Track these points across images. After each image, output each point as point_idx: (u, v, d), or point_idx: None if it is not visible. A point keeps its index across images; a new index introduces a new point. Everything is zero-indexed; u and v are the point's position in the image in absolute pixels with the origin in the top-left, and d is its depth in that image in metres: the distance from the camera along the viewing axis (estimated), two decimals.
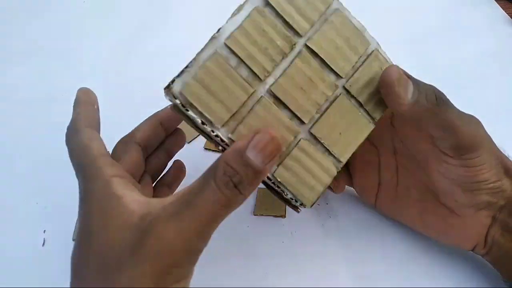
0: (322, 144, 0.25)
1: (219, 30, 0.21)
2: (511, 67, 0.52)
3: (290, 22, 0.22)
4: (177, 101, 0.21)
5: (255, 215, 0.38)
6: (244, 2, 0.21)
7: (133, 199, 0.21)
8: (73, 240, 0.38)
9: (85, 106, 0.26)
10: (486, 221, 0.29)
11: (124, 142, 0.29)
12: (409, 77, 0.26)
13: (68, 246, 0.38)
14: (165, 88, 0.21)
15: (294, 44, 0.22)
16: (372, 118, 0.26)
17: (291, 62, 0.22)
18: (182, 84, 0.21)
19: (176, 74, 0.21)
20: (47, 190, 0.41)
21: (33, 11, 0.63)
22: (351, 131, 0.25)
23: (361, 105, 0.26)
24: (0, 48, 0.57)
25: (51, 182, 0.41)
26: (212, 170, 0.21)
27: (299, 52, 0.23)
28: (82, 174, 0.23)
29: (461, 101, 0.49)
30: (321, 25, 0.23)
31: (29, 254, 0.37)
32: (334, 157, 0.25)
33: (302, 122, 0.24)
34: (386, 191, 0.35)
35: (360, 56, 0.25)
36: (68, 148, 0.24)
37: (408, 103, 0.25)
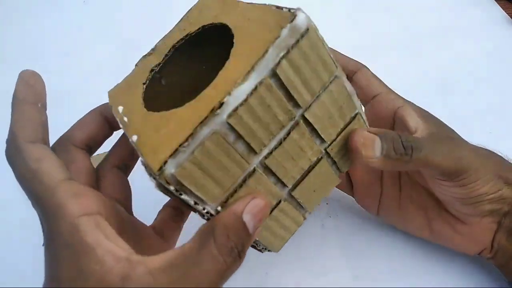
0: (299, 203, 0.26)
1: (221, 105, 0.18)
2: (511, 67, 0.52)
3: (295, 96, 0.20)
4: (171, 187, 0.18)
5: None
6: (249, 71, 0.18)
7: (108, 250, 0.18)
8: None
9: (25, 108, 0.21)
10: (492, 227, 0.29)
11: (64, 149, 0.24)
12: (376, 132, 0.25)
13: None
14: (152, 173, 0.18)
15: (294, 117, 0.21)
16: (341, 172, 0.27)
17: (288, 134, 0.21)
18: (176, 166, 0.18)
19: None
20: None
21: (33, 11, 0.63)
22: (323, 187, 0.27)
23: (335, 163, 0.26)
24: (0, 48, 0.57)
25: None
26: (209, 234, 0.19)
27: (297, 124, 0.22)
28: (40, 207, 0.19)
29: (461, 101, 0.49)
30: (320, 94, 0.22)
31: (29, 254, 0.37)
32: (305, 210, 0.27)
33: (285, 186, 0.24)
34: (389, 200, 0.34)
35: (346, 122, 0.25)
36: (13, 169, 0.20)
37: (378, 159, 0.25)
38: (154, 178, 0.19)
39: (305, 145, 0.23)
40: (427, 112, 0.32)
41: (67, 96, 0.51)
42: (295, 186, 0.24)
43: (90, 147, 0.25)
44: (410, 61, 0.53)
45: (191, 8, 0.28)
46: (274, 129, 0.20)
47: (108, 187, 0.25)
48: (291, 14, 0.19)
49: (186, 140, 0.17)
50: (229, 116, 0.18)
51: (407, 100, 0.31)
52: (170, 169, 0.17)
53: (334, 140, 0.25)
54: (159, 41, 0.26)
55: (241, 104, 0.18)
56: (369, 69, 0.32)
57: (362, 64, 0.32)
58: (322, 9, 0.62)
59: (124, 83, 0.26)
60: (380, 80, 0.32)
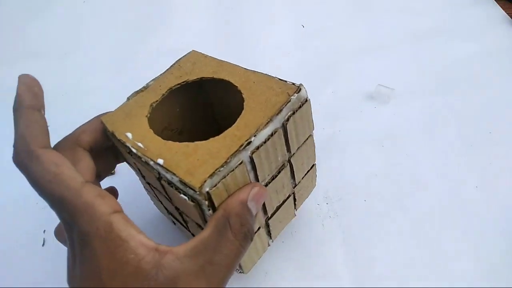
0: (269, 230, 0.31)
1: (249, 143, 0.24)
2: (511, 67, 0.52)
3: (290, 144, 0.27)
4: (206, 202, 0.22)
5: None
6: (268, 121, 0.25)
7: (140, 242, 0.20)
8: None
9: (33, 114, 0.22)
10: None
11: (70, 148, 0.26)
12: None
13: None
14: (188, 189, 0.22)
15: (286, 160, 0.28)
16: (296, 209, 0.35)
17: (279, 172, 0.28)
18: (211, 186, 0.22)
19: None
20: None
21: (33, 11, 0.63)
22: (285, 219, 0.34)
23: (295, 201, 0.33)
24: (0, 48, 0.57)
25: None
26: (225, 223, 0.22)
27: (284, 165, 0.28)
28: (66, 208, 0.20)
29: (461, 101, 0.49)
30: (301, 145, 0.29)
31: (29, 254, 0.37)
32: (271, 238, 0.33)
33: (266, 214, 0.29)
34: None
35: (308, 169, 0.32)
36: (28, 176, 0.21)
37: None
38: (185, 194, 0.23)
39: (286, 183, 0.30)
40: None
41: (67, 96, 0.51)
42: (272, 215, 0.30)
43: (92, 150, 0.27)
44: (410, 61, 0.53)
45: (180, 60, 0.32)
46: (274, 166, 0.27)
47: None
48: (297, 87, 0.26)
49: (222, 166, 0.22)
50: (252, 152, 0.24)
51: None
52: (205, 187, 0.22)
53: (299, 182, 0.32)
54: (150, 81, 0.30)
55: (261, 144, 0.24)
56: None
57: None
58: (323, 9, 0.62)
59: (120, 112, 0.28)
60: None
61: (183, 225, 0.32)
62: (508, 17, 0.58)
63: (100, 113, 0.29)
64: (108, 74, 0.52)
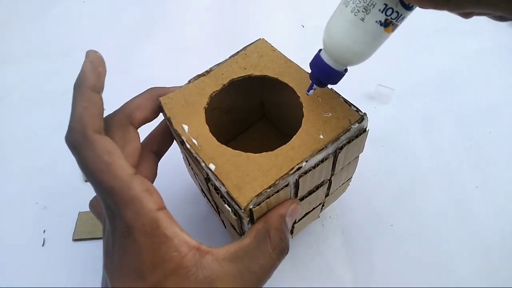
0: (292, 230, 0.32)
1: (299, 168, 0.24)
2: (511, 67, 0.52)
3: (336, 167, 0.28)
4: (247, 218, 0.24)
5: None
6: (323, 148, 0.25)
7: (183, 240, 0.21)
8: (73, 240, 0.38)
9: (94, 96, 0.22)
10: None
11: (122, 126, 0.26)
12: None
13: (68, 246, 0.38)
14: (239, 205, 0.23)
15: (327, 180, 0.29)
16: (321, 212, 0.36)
17: (317, 188, 0.28)
18: (254, 204, 0.23)
19: None
20: (47, 190, 0.41)
21: (33, 11, 0.63)
22: (308, 221, 0.34)
23: (323, 206, 0.34)
24: (0, 48, 0.57)
25: (51, 182, 0.41)
26: (265, 235, 0.23)
27: (324, 183, 0.29)
28: (114, 198, 0.21)
29: (460, 101, 0.49)
30: (345, 167, 0.30)
31: (29, 254, 0.37)
32: (292, 235, 0.34)
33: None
34: None
35: (343, 182, 0.33)
36: (79, 160, 0.21)
37: None
38: (229, 205, 0.24)
39: (320, 196, 0.30)
40: None
41: (67, 96, 0.51)
42: (299, 220, 0.31)
43: (141, 125, 0.27)
44: (410, 61, 0.53)
45: (247, 47, 0.31)
46: (314, 185, 0.27)
47: (144, 169, 0.27)
48: (360, 116, 0.26)
49: (269, 187, 0.23)
50: (300, 176, 0.24)
51: None
52: (250, 205, 0.23)
53: (332, 193, 0.32)
54: (214, 66, 0.30)
55: (309, 169, 0.25)
56: None
57: None
58: (323, 9, 0.62)
59: (179, 96, 0.28)
60: None
61: (212, 206, 0.32)
62: None
63: (152, 86, 0.29)
64: (108, 74, 0.52)
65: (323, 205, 0.33)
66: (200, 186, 0.33)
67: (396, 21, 0.22)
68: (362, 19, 0.21)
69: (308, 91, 0.26)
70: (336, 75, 0.25)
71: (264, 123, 0.40)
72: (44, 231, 0.38)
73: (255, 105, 0.37)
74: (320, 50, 0.25)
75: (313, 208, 0.32)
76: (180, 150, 0.32)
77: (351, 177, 0.33)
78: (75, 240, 0.37)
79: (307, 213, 0.31)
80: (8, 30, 0.59)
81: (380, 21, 0.21)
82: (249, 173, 0.24)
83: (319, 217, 0.36)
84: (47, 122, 0.46)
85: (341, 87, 0.53)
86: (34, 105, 0.48)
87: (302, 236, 0.37)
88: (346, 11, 0.22)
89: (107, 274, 0.22)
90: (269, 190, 0.23)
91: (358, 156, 0.30)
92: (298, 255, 0.36)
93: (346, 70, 0.25)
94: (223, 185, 0.23)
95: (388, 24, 0.22)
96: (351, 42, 0.22)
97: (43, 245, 0.37)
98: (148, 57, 0.55)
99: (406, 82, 0.50)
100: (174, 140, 0.30)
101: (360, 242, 0.37)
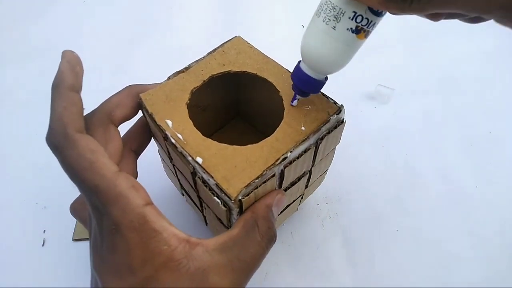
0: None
1: (285, 158, 0.25)
2: (511, 67, 0.52)
3: (317, 158, 0.29)
4: (237, 209, 0.24)
5: None
6: (305, 139, 0.26)
7: (172, 233, 0.21)
8: (73, 240, 0.38)
9: (72, 96, 0.22)
10: None
11: (103, 125, 0.25)
12: None
13: (68, 246, 0.38)
14: (222, 195, 0.24)
15: (308, 170, 0.30)
16: (299, 205, 0.36)
17: (298, 179, 0.29)
18: (243, 195, 0.23)
19: None
20: (47, 190, 0.41)
21: (33, 11, 0.63)
22: (288, 214, 0.35)
23: (301, 198, 0.35)
24: (0, 48, 0.57)
25: (51, 182, 0.41)
26: (254, 224, 0.24)
27: (305, 174, 0.30)
28: (99, 196, 0.21)
29: (460, 101, 0.49)
30: (323, 158, 0.31)
31: (29, 254, 0.37)
32: None
33: None
34: None
35: (321, 174, 0.34)
36: (62, 160, 0.21)
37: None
38: (218, 197, 0.24)
39: (301, 187, 0.31)
40: None
41: None
42: (280, 212, 0.31)
43: (121, 123, 0.27)
44: (410, 61, 0.53)
45: (224, 44, 0.32)
46: (296, 176, 0.28)
47: (126, 168, 0.27)
48: (338, 107, 0.27)
49: (257, 178, 0.24)
50: (285, 166, 0.25)
51: None
52: (239, 196, 0.23)
53: (311, 184, 0.33)
54: (193, 62, 0.30)
55: (294, 159, 0.26)
56: None
57: None
58: None
59: (160, 92, 0.28)
60: None
61: (194, 203, 0.33)
62: None
63: (130, 84, 0.28)
64: (108, 74, 0.52)
65: (302, 197, 0.34)
66: (180, 184, 0.33)
67: (367, 27, 0.22)
68: (334, 28, 0.22)
69: (292, 101, 0.28)
70: (317, 85, 0.26)
71: (238, 121, 0.40)
72: (44, 231, 0.38)
73: (231, 103, 0.38)
74: (299, 61, 0.26)
75: (293, 201, 0.32)
76: (158, 149, 0.33)
77: (327, 169, 0.35)
78: (75, 240, 0.37)
79: (287, 205, 0.32)
80: (8, 30, 0.59)
81: (351, 28, 0.22)
82: (236, 165, 0.24)
83: (297, 210, 0.37)
84: (47, 122, 0.46)
85: (341, 87, 0.53)
86: (34, 105, 0.48)
87: (302, 236, 0.37)
88: (319, 21, 0.23)
89: (97, 273, 0.21)
90: (257, 180, 0.24)
91: (335, 148, 0.31)
92: (298, 255, 0.36)
93: (326, 79, 0.26)
94: (212, 177, 0.24)
95: (360, 31, 0.22)
96: (326, 51, 0.23)
97: (43, 245, 0.37)
98: (148, 57, 0.55)
99: (406, 82, 0.50)
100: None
101: (360, 242, 0.37)
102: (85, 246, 0.37)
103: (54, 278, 0.35)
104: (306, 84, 0.26)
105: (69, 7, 0.63)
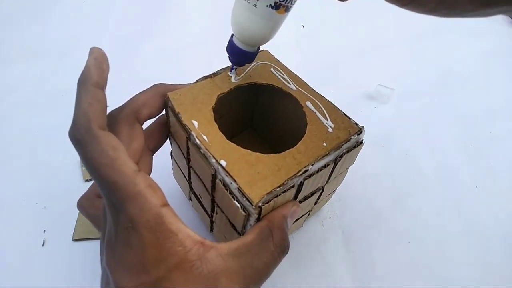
0: None
1: (306, 171, 0.25)
2: (511, 67, 0.52)
3: (332, 176, 0.30)
4: (256, 215, 0.24)
5: None
6: (326, 154, 0.26)
7: (188, 235, 0.21)
8: (73, 240, 0.38)
9: (98, 93, 0.22)
10: None
11: (129, 122, 0.26)
12: None
13: (68, 246, 0.38)
14: (250, 201, 0.24)
15: (323, 186, 0.30)
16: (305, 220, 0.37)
17: (312, 194, 0.30)
18: (264, 202, 0.24)
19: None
20: (47, 190, 0.41)
21: (33, 11, 0.63)
22: (293, 228, 0.36)
23: (308, 214, 0.35)
24: (0, 48, 0.57)
25: (51, 182, 0.41)
26: (268, 233, 0.24)
27: (318, 189, 0.30)
28: (118, 193, 0.21)
29: (461, 101, 0.49)
30: (338, 175, 0.32)
31: (29, 254, 0.37)
32: None
33: None
34: None
35: (330, 193, 0.35)
36: (83, 155, 0.21)
37: None
38: (238, 201, 0.24)
39: (311, 203, 0.31)
40: None
41: (67, 95, 0.51)
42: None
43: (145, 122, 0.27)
44: (410, 61, 0.53)
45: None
46: (311, 190, 0.29)
47: (143, 166, 0.28)
48: (359, 128, 0.28)
49: (279, 186, 0.24)
50: (304, 178, 0.26)
51: None
52: (260, 202, 0.24)
53: (319, 201, 0.34)
54: (221, 69, 0.31)
55: (313, 173, 0.26)
56: None
57: None
58: (323, 9, 0.62)
59: (187, 93, 0.29)
60: None
61: (203, 208, 0.33)
62: (508, 17, 0.58)
63: (157, 82, 0.29)
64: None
65: (309, 214, 0.35)
66: (190, 187, 0.33)
67: (285, 3, 0.24)
68: (255, 5, 0.24)
69: (231, 71, 0.29)
70: (250, 55, 0.28)
71: (249, 132, 0.41)
72: (44, 231, 0.38)
73: (246, 114, 0.39)
74: (232, 35, 0.28)
75: (301, 215, 0.33)
76: (171, 150, 0.32)
77: (336, 189, 0.35)
78: (75, 240, 0.37)
79: (295, 220, 0.32)
80: (8, 30, 0.59)
81: (270, 4, 0.24)
82: (259, 172, 0.25)
83: (302, 226, 0.37)
84: (47, 122, 0.46)
85: (341, 87, 0.53)
86: (34, 105, 0.48)
87: (302, 236, 0.37)
88: (242, 0, 0.25)
89: (109, 269, 0.21)
90: (278, 189, 0.24)
91: (348, 168, 0.32)
92: (298, 255, 0.36)
93: (258, 48, 0.29)
94: (235, 181, 0.24)
95: (279, 7, 0.24)
96: (251, 26, 0.26)
97: (43, 245, 0.37)
98: (147, 57, 0.55)
99: (406, 82, 0.50)
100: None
101: (360, 242, 0.37)
102: (85, 246, 0.37)
103: (54, 278, 0.35)
104: (240, 56, 0.28)
105: (69, 7, 0.63)
